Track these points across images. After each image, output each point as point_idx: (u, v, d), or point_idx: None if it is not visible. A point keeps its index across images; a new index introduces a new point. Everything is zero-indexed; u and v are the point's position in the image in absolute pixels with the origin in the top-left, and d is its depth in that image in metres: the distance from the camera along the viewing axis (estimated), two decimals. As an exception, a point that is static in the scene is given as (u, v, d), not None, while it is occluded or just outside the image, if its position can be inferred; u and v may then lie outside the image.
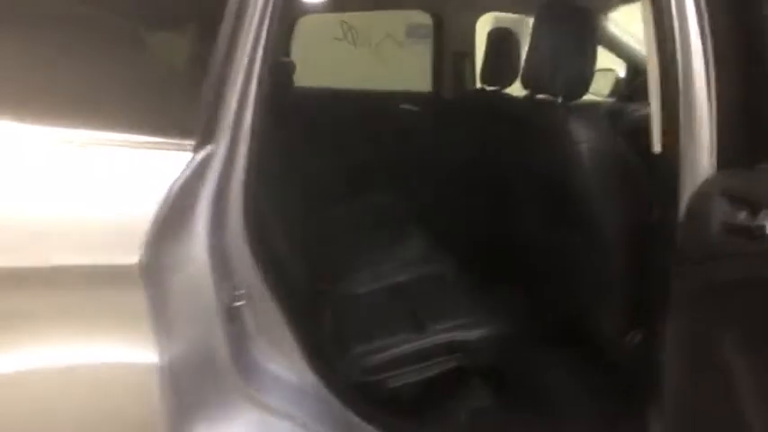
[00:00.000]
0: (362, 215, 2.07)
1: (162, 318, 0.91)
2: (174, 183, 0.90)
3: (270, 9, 0.99)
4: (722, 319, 1.00)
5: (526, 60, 1.50)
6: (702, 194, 1.07)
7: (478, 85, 2.27)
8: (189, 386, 0.95)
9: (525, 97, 1.58)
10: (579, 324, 1.49)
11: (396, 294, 1.64)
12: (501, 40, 1.92)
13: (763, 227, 0.92)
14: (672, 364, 1.15)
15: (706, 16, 1.07)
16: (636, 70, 2.53)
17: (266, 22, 0.99)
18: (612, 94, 2.58)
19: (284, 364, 1.11)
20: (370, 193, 2.17)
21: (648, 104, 2.44)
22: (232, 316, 1.01)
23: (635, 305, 1.37)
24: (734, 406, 0.96)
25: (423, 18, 2.59)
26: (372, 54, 2.69)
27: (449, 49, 2.36)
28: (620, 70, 2.58)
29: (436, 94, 2.41)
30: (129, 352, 0.89)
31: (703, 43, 1.08)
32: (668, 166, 1.16)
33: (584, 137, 1.32)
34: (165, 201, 0.89)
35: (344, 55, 2.64)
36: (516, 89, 1.95)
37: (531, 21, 2.39)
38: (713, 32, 1.07)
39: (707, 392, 1.04)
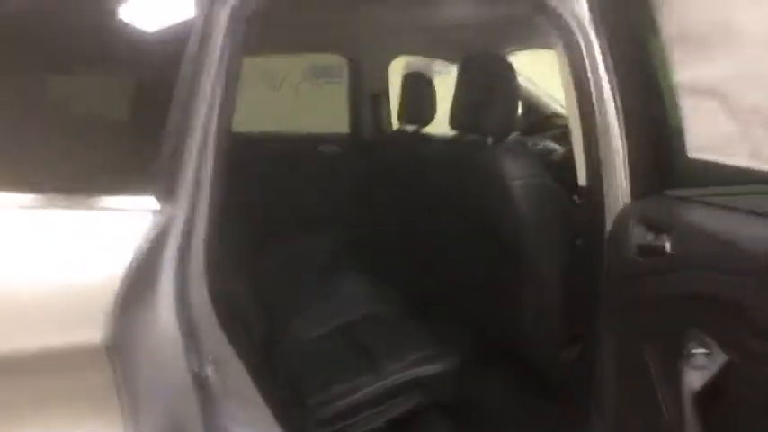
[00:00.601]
0: (295, 258, 2.03)
1: (130, 397, 0.83)
2: (136, 249, 0.84)
3: (225, 65, 0.97)
4: (641, 332, 1.13)
5: (454, 103, 1.59)
6: (620, 221, 1.21)
7: (395, 125, 2.37)
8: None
9: (453, 137, 1.67)
10: (523, 348, 1.57)
11: (346, 336, 1.62)
12: (417, 83, 2.03)
13: (663, 246, 1.06)
14: (606, 376, 1.26)
15: (614, 72, 1.23)
16: (529, 108, 2.80)
17: (222, 79, 0.97)
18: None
19: (255, 427, 1.05)
20: (299, 236, 2.14)
21: (546, 138, 2.68)
22: (201, 383, 0.95)
23: (569, 324, 1.48)
24: (658, 410, 1.07)
25: (325, 60, 2.65)
26: (284, 96, 2.69)
27: (365, 91, 2.43)
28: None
29: (355, 135, 2.46)
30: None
31: (613, 94, 1.24)
32: (594, 196, 1.29)
33: (516, 173, 1.43)
34: (129, 268, 0.83)
35: (257, 98, 2.61)
36: (431, 128, 2.06)
37: (439, 63, 2.58)
38: (620, 84, 1.23)
39: (636, 398, 1.16)
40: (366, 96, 2.43)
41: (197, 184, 0.94)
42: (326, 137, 2.47)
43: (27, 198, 0.81)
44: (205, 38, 0.93)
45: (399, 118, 2.14)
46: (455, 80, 1.58)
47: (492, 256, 1.56)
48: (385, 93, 2.45)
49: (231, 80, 0.97)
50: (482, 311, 1.64)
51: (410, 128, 2.06)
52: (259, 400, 1.05)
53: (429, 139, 1.94)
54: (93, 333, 0.79)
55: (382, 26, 2.16)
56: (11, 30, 0.92)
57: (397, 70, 2.58)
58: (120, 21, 0.96)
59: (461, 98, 1.56)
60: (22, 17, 0.93)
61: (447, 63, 2.56)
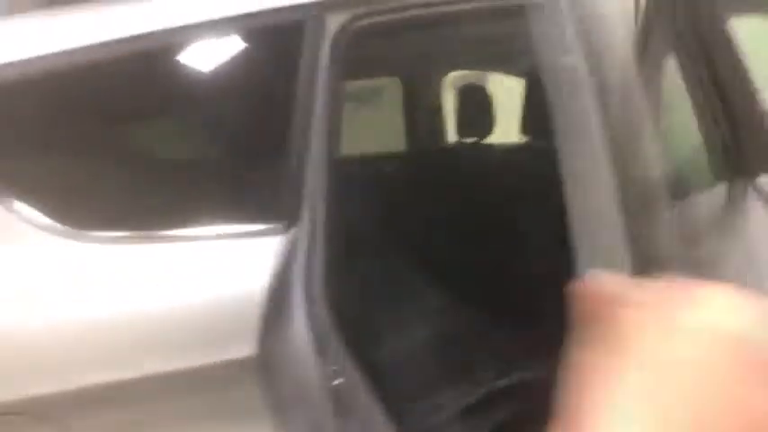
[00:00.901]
0: (368, 277, 2.06)
1: (274, 410, 0.88)
2: (271, 270, 0.89)
3: (332, 93, 1.03)
4: None
5: (524, 109, 1.62)
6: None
7: (452, 138, 2.40)
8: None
9: (519, 145, 1.69)
10: None
11: (430, 351, 1.64)
12: (473, 96, 2.06)
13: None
14: None
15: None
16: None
17: (329, 107, 1.02)
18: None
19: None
20: (371, 255, 2.18)
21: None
22: (334, 396, 0.99)
23: None
24: None
25: (366, 82, 2.71)
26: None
27: (420, 108, 2.48)
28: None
29: (415, 152, 2.50)
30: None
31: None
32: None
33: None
34: (267, 288, 0.88)
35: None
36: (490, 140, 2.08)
37: (490, 75, 2.60)
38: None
39: None
40: (422, 113, 2.48)
41: (316, 207, 0.99)
42: (387, 156, 2.51)
43: (175, 232, 0.88)
44: (314, 69, 1.00)
45: (459, 131, 2.17)
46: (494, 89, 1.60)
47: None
48: (439, 108, 2.50)
49: (337, 107, 1.03)
50: (561, 318, 1.64)
51: (469, 140, 2.09)
52: (379, 410, 1.08)
53: (493, 148, 1.97)
54: (242, 349, 0.84)
55: (436, 44, 2.21)
56: (131, 82, 1.01)
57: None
58: (231, 60, 1.04)
59: (532, 105, 1.59)
60: (145, 68, 1.01)
61: (487, 73, 2.59)
